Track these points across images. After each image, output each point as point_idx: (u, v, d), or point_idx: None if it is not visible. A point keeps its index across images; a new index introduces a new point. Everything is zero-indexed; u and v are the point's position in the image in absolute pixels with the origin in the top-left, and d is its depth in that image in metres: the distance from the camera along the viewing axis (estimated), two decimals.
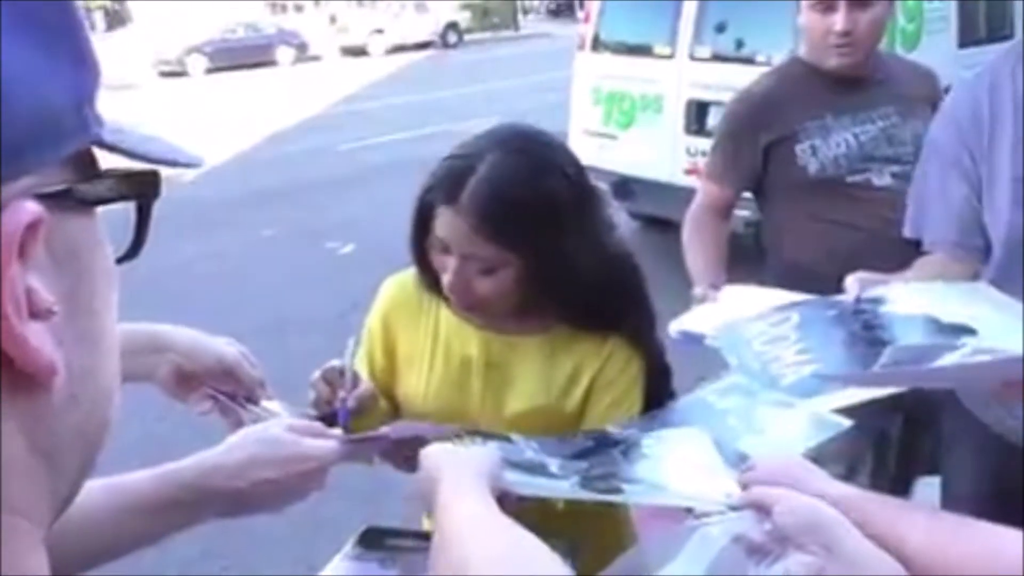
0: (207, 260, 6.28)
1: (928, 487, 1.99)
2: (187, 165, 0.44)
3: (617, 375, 1.20)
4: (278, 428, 0.92)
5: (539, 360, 1.22)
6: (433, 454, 0.84)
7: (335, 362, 1.17)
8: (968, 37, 5.53)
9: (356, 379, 1.17)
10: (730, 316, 1.19)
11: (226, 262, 6.25)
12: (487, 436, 0.95)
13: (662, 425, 1.00)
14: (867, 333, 1.04)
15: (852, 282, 1.21)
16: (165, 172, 0.42)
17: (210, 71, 19.53)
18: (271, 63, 20.74)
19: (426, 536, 1.01)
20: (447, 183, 1.12)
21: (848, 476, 1.92)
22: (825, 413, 0.93)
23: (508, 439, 0.96)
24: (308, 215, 7.36)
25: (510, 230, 1.10)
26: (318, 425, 0.98)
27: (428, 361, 1.26)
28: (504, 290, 1.15)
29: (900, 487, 2.14)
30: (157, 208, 0.42)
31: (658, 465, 0.89)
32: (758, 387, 0.99)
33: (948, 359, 0.90)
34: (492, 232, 1.09)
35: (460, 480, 0.77)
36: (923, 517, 0.73)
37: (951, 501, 1.64)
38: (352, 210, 7.41)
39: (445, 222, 1.12)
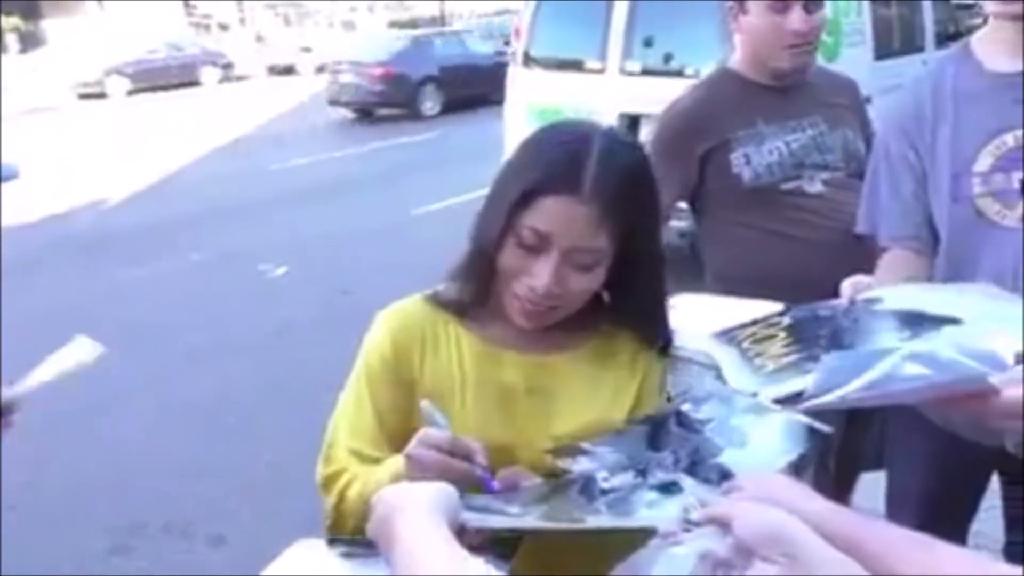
0: (137, 285, 6.08)
1: (872, 483, 2.03)
2: None
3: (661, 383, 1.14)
4: None
5: (581, 375, 1.11)
6: (387, 493, 0.80)
7: (429, 430, 0.96)
8: (884, 50, 5.76)
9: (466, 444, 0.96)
10: (700, 327, 1.19)
11: (156, 287, 6.06)
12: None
13: (633, 443, 0.97)
14: (852, 325, 1.08)
15: (847, 287, 1.25)
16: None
17: (131, 92, 19.01)
18: (195, 83, 20.32)
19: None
20: (560, 171, 0.99)
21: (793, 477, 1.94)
22: (804, 420, 0.92)
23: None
24: (239, 237, 7.22)
25: (633, 217, 1.01)
26: None
27: (459, 397, 1.09)
28: (593, 288, 1.05)
29: (843, 486, 2.18)
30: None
31: (617, 496, 0.88)
32: (740, 388, 1.01)
33: (880, 368, 0.90)
34: (618, 221, 0.99)
35: (416, 514, 0.74)
36: (883, 529, 0.73)
37: (896, 495, 1.68)
38: (284, 231, 7.29)
39: (556, 213, 0.98)
